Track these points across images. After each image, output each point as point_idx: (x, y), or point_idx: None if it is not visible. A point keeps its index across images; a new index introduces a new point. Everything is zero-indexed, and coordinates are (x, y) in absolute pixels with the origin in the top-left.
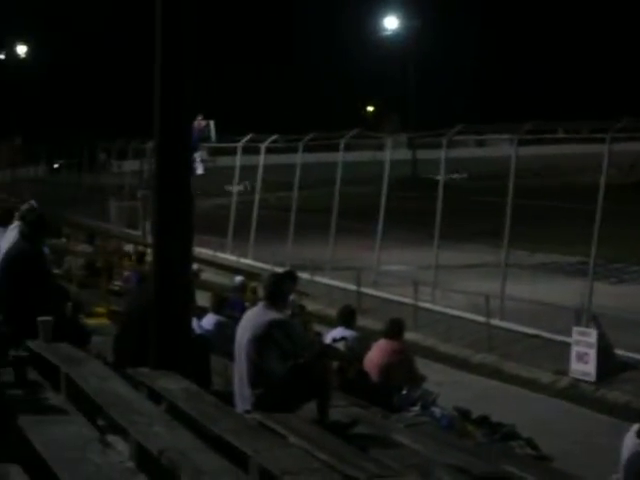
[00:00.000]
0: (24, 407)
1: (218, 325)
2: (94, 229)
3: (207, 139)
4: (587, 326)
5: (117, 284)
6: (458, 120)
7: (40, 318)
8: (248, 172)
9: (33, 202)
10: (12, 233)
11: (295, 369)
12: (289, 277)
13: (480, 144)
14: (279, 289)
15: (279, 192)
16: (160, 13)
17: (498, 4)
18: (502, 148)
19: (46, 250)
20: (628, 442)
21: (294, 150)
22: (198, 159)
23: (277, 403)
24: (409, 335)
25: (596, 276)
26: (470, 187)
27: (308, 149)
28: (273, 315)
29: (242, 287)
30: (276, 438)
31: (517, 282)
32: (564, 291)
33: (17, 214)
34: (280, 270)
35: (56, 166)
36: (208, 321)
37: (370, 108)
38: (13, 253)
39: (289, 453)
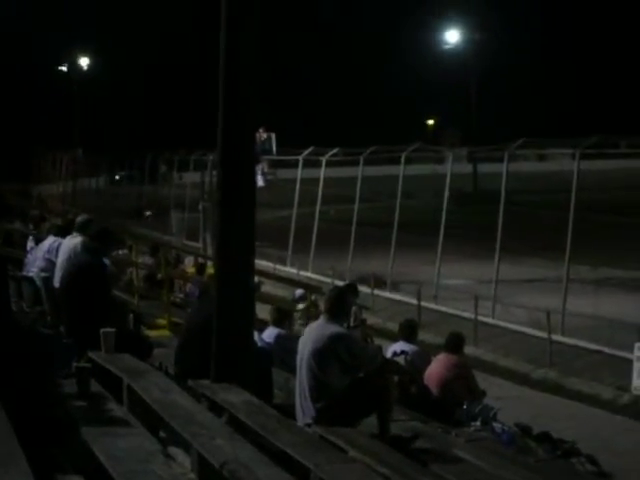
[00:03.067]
0: (87, 418)
1: (279, 338)
2: (156, 241)
3: (268, 151)
4: None
5: (179, 296)
6: (519, 134)
7: (103, 330)
8: (309, 185)
9: (90, 216)
10: (70, 244)
11: (356, 383)
12: (351, 290)
13: (542, 158)
14: (341, 302)
15: (339, 205)
16: (224, 24)
17: (561, 16)
18: (564, 162)
19: (107, 262)
20: None
21: (355, 163)
22: (259, 172)
23: (338, 417)
24: (469, 349)
25: None
26: (532, 201)
27: (369, 162)
28: (335, 329)
29: (303, 300)
30: (337, 452)
31: (578, 297)
32: (626, 306)
33: (76, 225)
34: (341, 283)
35: (117, 178)
36: (269, 334)
37: (430, 122)
38: (77, 266)
39: (350, 467)
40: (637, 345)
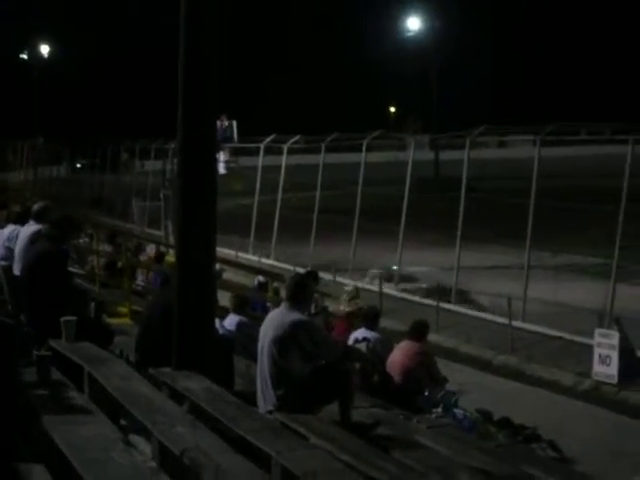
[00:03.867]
0: (47, 407)
1: (240, 325)
2: (116, 229)
3: (229, 139)
4: (609, 328)
5: (140, 284)
6: (480, 121)
7: (63, 318)
8: (270, 172)
9: (47, 203)
10: (27, 231)
11: (317, 370)
12: (312, 277)
13: (502, 145)
14: (302, 290)
15: (301, 192)
16: (185, 11)
17: (521, 5)
18: (524, 149)
19: (68, 250)
20: None
21: (316, 151)
22: (220, 159)
23: (299, 404)
24: (431, 336)
25: (619, 278)
26: (493, 188)
27: (330, 150)
28: (295, 316)
29: (263, 287)
30: (298, 439)
31: (540, 284)
32: (587, 293)
33: (32, 213)
34: (302, 270)
35: (79, 166)
36: (230, 321)
37: (392, 109)
38: (37, 253)
39: (311, 454)
40: (597, 331)
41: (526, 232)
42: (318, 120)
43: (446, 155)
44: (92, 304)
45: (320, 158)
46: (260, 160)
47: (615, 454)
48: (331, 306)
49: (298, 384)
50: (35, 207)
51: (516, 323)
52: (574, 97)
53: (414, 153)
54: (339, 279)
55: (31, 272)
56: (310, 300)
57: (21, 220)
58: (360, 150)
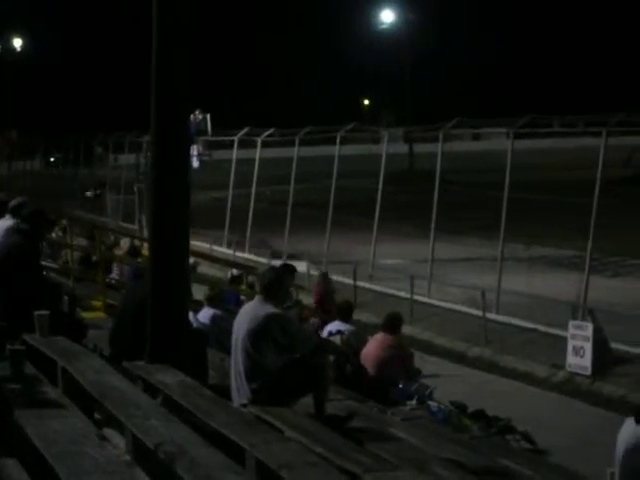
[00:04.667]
0: (21, 401)
1: (214, 318)
2: (91, 223)
3: (203, 132)
4: (583, 320)
5: (114, 278)
6: (454, 114)
7: (37, 312)
8: (244, 165)
9: (24, 198)
10: (3, 226)
11: (292, 363)
12: (286, 271)
13: (476, 138)
14: (276, 283)
15: (275, 186)
16: (156, 6)
17: None
18: (499, 142)
19: (41, 244)
20: (624, 436)
21: (291, 144)
22: (194, 153)
23: (274, 397)
24: (405, 329)
25: (592, 270)
26: (468, 180)
27: (305, 143)
28: (270, 309)
29: (237, 280)
30: (273, 432)
31: (513, 275)
32: (561, 285)
33: (9, 208)
34: (277, 263)
35: (52, 160)
36: (204, 315)
37: (366, 102)
38: (10, 248)
39: (286, 447)
40: (571, 323)
41: (500, 224)
42: (293, 114)
43: (420, 148)
44: (66, 298)
45: (294, 151)
46: (234, 153)
47: (588, 445)
48: (305, 299)
49: (272, 377)
50: (13, 202)
51: (490, 315)
52: (549, 90)
53: (388, 146)
54: (313, 272)
55: (3, 266)
56: (285, 293)
57: None
58: (334, 143)
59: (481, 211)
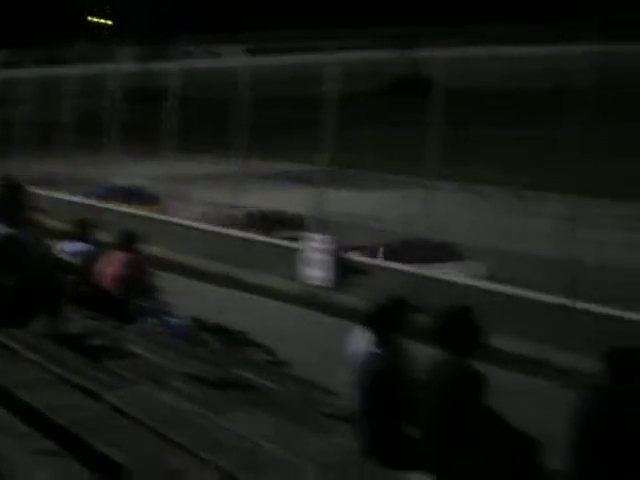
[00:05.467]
0: None
1: None
2: None
3: None
4: (321, 233)
5: None
6: (188, 31)
7: None
8: None
9: None
10: None
11: (26, 283)
12: (21, 191)
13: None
14: (13, 203)
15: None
16: None
17: None
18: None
19: None
20: (360, 345)
21: (22, 65)
22: None
23: (9, 318)
24: (145, 247)
25: (327, 183)
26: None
27: (37, 63)
28: (4, 230)
29: None
30: (8, 353)
31: (251, 192)
32: (297, 199)
33: None
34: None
35: None
36: None
37: (96, 19)
38: None
39: (22, 367)
40: (309, 236)
41: (237, 142)
42: (21, 33)
43: (156, 67)
44: None
45: (25, 72)
46: None
47: (327, 356)
48: (48, 222)
49: (6, 298)
50: None
51: (231, 232)
52: None
53: (122, 65)
54: (56, 195)
55: None
56: (21, 213)
57: None
58: (63, 63)
59: (217, 129)
